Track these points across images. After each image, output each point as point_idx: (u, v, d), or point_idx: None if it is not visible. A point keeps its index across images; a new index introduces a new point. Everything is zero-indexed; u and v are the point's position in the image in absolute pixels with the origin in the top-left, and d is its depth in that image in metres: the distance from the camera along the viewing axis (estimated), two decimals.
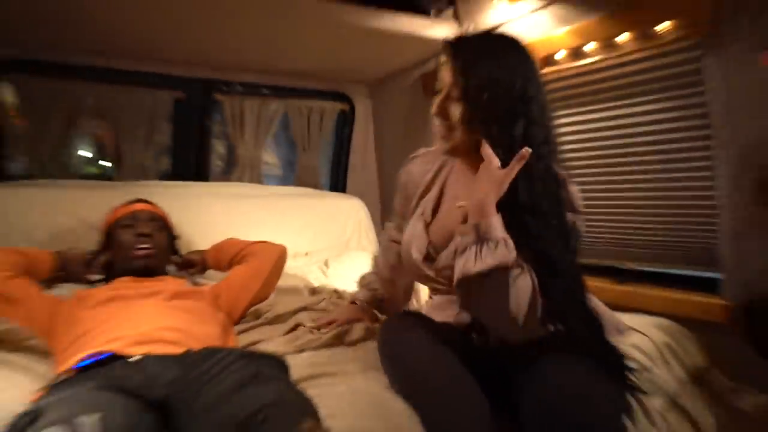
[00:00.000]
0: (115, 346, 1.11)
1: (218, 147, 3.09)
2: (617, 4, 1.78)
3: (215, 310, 1.49)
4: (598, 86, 1.95)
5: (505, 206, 1.03)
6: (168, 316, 1.27)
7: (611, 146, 1.99)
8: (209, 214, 2.42)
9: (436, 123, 1.19)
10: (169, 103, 2.64)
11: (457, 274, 1.03)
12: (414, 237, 1.25)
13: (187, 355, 1.08)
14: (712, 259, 1.77)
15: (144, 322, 1.22)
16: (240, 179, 2.91)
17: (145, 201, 1.74)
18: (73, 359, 1.08)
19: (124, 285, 1.44)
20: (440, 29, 2.34)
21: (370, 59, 2.69)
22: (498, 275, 0.99)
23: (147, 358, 1.05)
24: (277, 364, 1.06)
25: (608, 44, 1.85)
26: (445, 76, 1.16)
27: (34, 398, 0.95)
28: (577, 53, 1.95)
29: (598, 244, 2.16)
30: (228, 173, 3.00)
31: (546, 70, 2.04)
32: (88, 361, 1.04)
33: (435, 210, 1.28)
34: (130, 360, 1.05)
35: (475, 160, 1.11)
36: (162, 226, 1.69)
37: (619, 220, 2.04)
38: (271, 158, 3.77)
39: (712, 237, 1.76)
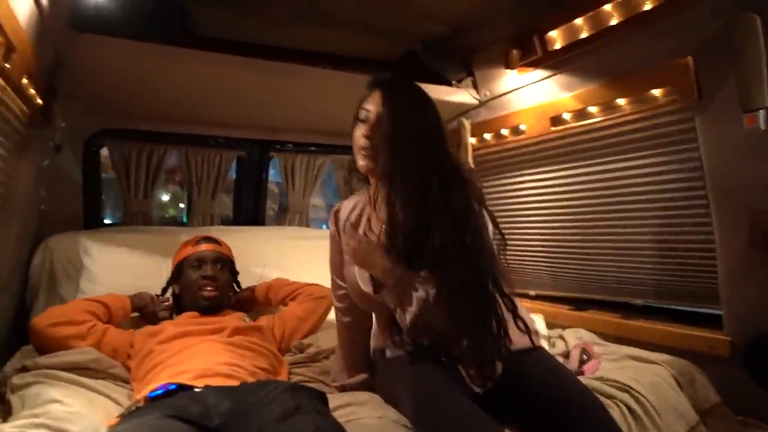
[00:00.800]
0: (181, 379, 1.16)
1: (273, 196, 3.16)
2: (613, 75, 1.79)
3: (269, 343, 1.54)
4: (601, 142, 1.96)
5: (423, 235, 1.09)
6: (227, 353, 1.33)
7: (615, 195, 1.99)
8: (264, 254, 2.47)
9: (363, 144, 1.22)
10: (233, 161, 2.76)
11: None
12: (357, 274, 1.25)
13: (242, 386, 1.12)
14: (714, 296, 1.70)
15: (207, 357, 1.28)
16: (291, 223, 2.98)
17: (211, 239, 1.73)
18: (146, 389, 1.14)
19: (190, 321, 1.50)
20: (461, 95, 2.41)
21: None
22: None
23: (207, 389, 1.09)
24: (318, 397, 1.08)
25: (608, 106, 1.87)
26: (374, 107, 1.21)
27: (112, 423, 1.01)
28: (581, 114, 1.96)
29: (607, 281, 2.11)
30: (281, 218, 3.06)
31: (554, 128, 2.06)
32: (158, 392, 1.09)
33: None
34: (194, 391, 1.09)
35: (386, 185, 1.20)
36: (225, 264, 1.69)
37: (626, 260, 2.01)
38: (318, 202, 3.84)
39: (712, 277, 1.71)
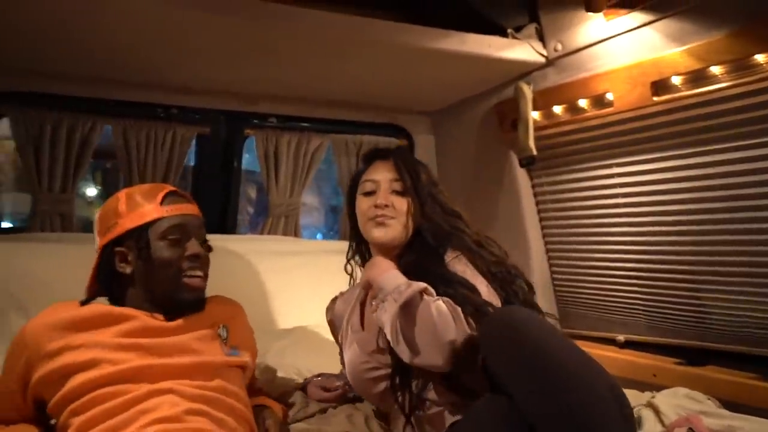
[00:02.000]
0: None
1: (248, 192, 3.14)
2: (749, 17, 1.72)
3: (248, 394, 1.52)
4: (730, 119, 1.89)
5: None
6: (186, 426, 1.26)
7: (750, 197, 1.90)
8: (234, 275, 2.46)
9: (376, 213, 1.56)
10: (190, 140, 2.75)
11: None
12: (353, 358, 1.61)
13: None
14: None
15: (157, 430, 1.22)
16: (273, 231, 2.96)
17: (181, 194, 1.55)
18: None
19: (140, 342, 1.38)
20: (520, 50, 2.38)
21: (433, 86, 2.74)
22: (402, 317, 1.35)
23: None
24: None
25: (741, 66, 1.79)
26: (384, 174, 1.61)
27: None
28: (699, 77, 1.90)
29: (736, 325, 2.06)
30: (258, 224, 3.08)
31: (657, 99, 2.01)
32: None
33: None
34: None
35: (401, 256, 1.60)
36: (206, 238, 1.55)
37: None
38: (312, 201, 3.82)
39: None
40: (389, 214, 1.55)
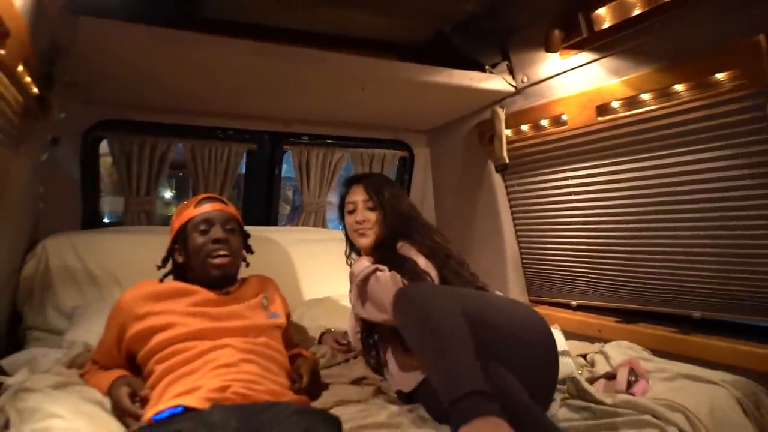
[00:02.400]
0: (189, 400, 1.17)
1: (286, 194, 3.17)
2: (670, 57, 1.75)
3: (285, 347, 1.54)
4: (655, 134, 1.91)
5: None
6: (247, 365, 1.32)
7: (670, 194, 1.93)
8: (276, 258, 2.51)
9: (357, 227, 1.76)
10: (242, 155, 2.78)
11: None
12: (350, 324, 1.78)
13: (251, 405, 1.12)
14: None
15: (224, 372, 1.27)
16: (305, 224, 3.00)
17: (215, 198, 1.63)
18: (152, 411, 1.16)
19: (204, 310, 1.43)
20: (495, 82, 2.38)
21: (429, 110, 2.75)
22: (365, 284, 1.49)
23: (214, 408, 1.09)
24: (330, 421, 1.07)
25: (664, 93, 1.81)
26: (359, 196, 1.79)
27: None
28: (632, 102, 1.92)
29: (660, 291, 2.06)
30: (294, 218, 3.07)
31: (600, 119, 2.02)
32: (163, 415, 1.11)
33: None
34: (200, 412, 1.09)
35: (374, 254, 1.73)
36: (235, 226, 1.59)
37: (683, 268, 1.97)
38: (335, 199, 3.82)
39: None
40: (366, 227, 1.75)
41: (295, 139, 2.88)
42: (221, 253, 1.49)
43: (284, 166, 2.97)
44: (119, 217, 2.66)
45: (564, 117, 2.18)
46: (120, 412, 1.28)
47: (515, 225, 2.68)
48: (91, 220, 2.51)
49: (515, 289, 2.69)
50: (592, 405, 1.36)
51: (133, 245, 2.30)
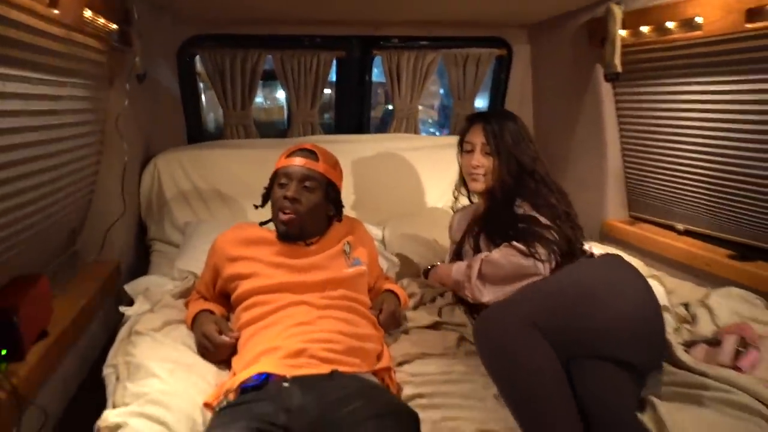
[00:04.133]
0: (272, 363, 1.17)
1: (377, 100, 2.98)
2: None
3: (368, 297, 1.50)
4: None
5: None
6: (326, 322, 1.30)
7: None
8: (369, 165, 2.45)
9: (471, 170, 1.66)
10: (331, 62, 2.60)
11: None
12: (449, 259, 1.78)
13: (332, 388, 1.09)
14: None
15: (303, 330, 1.26)
16: (397, 130, 2.82)
17: (310, 151, 1.51)
18: (238, 378, 1.16)
19: (284, 261, 1.43)
20: None
21: (532, 1, 2.30)
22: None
23: (293, 386, 1.09)
24: (408, 421, 1.02)
25: None
26: (477, 138, 1.65)
27: (209, 402, 1.12)
28: None
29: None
30: (386, 125, 2.92)
31: (750, 26, 1.56)
32: (250, 384, 1.12)
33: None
34: (282, 387, 1.09)
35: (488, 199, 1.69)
36: (317, 185, 1.47)
37: None
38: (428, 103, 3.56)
39: None
40: (479, 173, 1.65)
41: (385, 43, 2.63)
42: (286, 211, 1.44)
43: (374, 71, 2.76)
44: (220, 129, 2.66)
45: (698, 20, 1.72)
46: (203, 349, 1.31)
47: (621, 136, 2.32)
48: (195, 135, 2.55)
49: (613, 203, 2.40)
50: (682, 372, 1.21)
51: (233, 160, 2.34)
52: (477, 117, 1.71)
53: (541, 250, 1.43)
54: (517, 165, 1.59)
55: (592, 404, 1.05)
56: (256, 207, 1.57)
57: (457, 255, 1.71)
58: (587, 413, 1.07)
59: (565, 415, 1.04)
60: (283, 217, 1.44)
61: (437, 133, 3.66)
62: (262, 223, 1.56)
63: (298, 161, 1.47)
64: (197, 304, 1.47)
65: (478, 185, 1.66)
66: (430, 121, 3.66)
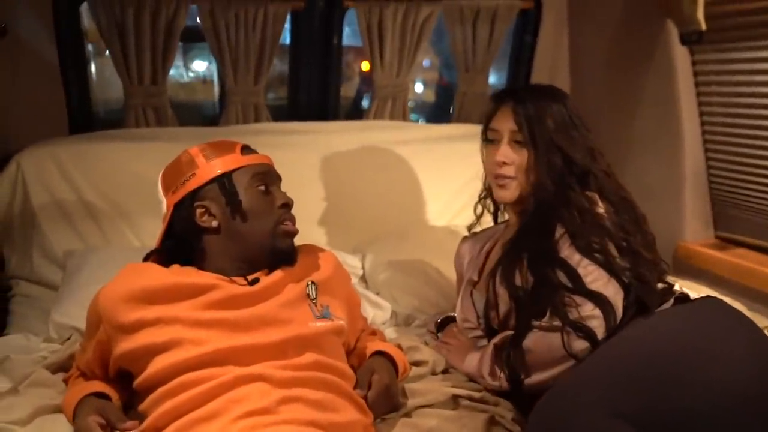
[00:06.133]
0: None
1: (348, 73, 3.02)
2: None
3: (346, 359, 1.44)
4: None
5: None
6: (284, 416, 1.20)
7: None
8: (339, 166, 2.42)
9: (498, 171, 1.56)
10: (284, 17, 2.54)
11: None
12: (462, 306, 1.71)
13: None
14: None
15: (250, 425, 1.16)
16: (379, 116, 2.79)
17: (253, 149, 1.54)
18: None
19: (222, 316, 1.32)
20: None
21: None
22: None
23: None
24: None
25: None
26: (505, 123, 1.56)
27: None
28: None
29: None
30: (362, 108, 2.96)
31: None
32: None
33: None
34: None
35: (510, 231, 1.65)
36: None
37: None
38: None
39: None
40: (507, 174, 1.55)
41: None
42: (290, 221, 1.46)
43: (346, 30, 2.74)
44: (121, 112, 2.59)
45: None
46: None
47: (703, 123, 2.31)
48: (81, 121, 2.49)
49: (692, 218, 2.41)
50: None
51: (139, 159, 2.26)
52: (506, 94, 1.64)
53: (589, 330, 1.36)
54: (563, 162, 1.49)
55: None
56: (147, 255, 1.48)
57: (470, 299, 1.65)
58: None
59: None
60: (290, 227, 1.44)
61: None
62: (147, 258, 1.45)
63: (265, 158, 1.50)
64: (80, 385, 1.38)
65: (506, 193, 1.57)
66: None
